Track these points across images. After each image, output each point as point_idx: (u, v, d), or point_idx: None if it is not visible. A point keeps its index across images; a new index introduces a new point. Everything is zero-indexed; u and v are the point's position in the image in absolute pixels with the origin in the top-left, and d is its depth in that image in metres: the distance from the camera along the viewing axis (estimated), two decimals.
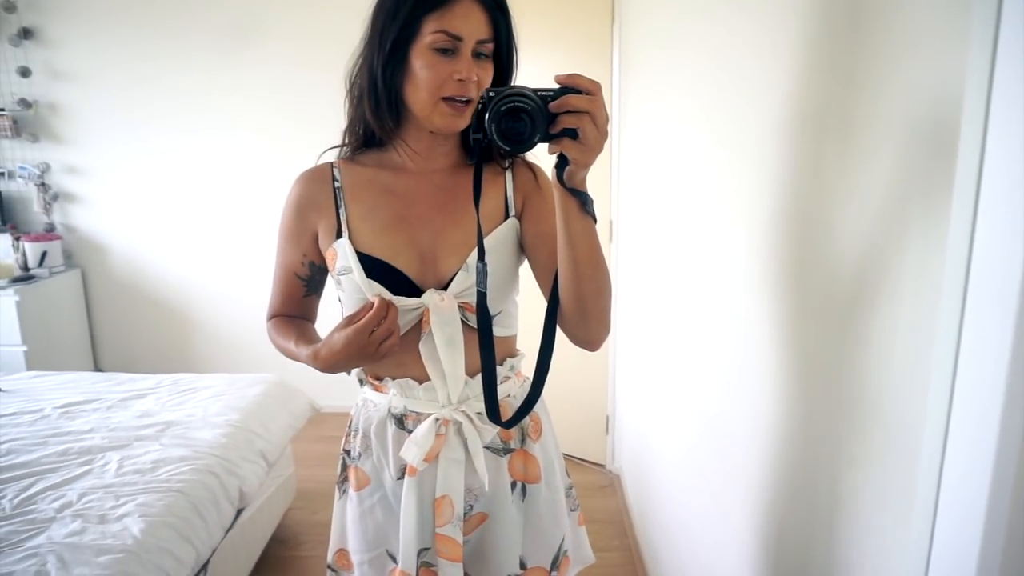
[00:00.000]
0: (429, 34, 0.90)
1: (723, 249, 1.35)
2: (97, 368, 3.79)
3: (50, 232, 3.61)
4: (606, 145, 0.78)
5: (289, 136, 3.42)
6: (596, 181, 0.84)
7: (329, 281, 1.11)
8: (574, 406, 2.87)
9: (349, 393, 1.13)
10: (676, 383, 1.81)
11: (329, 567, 1.16)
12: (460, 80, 0.91)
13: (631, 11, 2.46)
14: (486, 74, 0.94)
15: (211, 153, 3.56)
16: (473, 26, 0.90)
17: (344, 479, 1.13)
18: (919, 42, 0.65)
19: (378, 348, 0.92)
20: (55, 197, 3.61)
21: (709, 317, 1.47)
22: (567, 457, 1.19)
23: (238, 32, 3.40)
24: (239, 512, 2.02)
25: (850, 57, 0.79)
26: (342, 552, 1.14)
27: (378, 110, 0.97)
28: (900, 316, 0.68)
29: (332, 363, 0.96)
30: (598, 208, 0.86)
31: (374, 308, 0.92)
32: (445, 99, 0.92)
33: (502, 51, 0.96)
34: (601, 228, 0.90)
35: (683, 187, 1.70)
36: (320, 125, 3.32)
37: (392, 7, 0.91)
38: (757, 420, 1.14)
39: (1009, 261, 0.50)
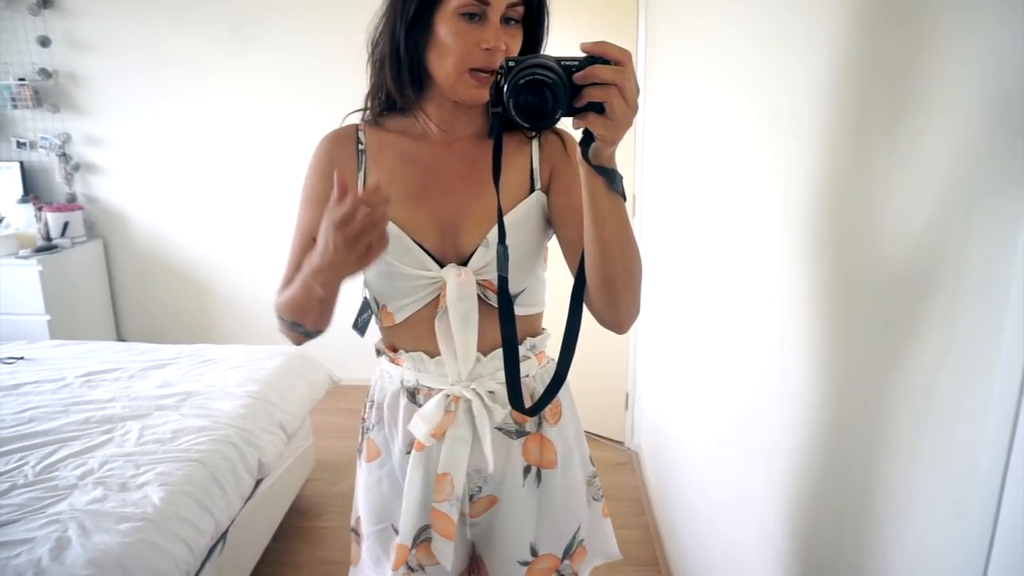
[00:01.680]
0: None
1: (756, 225, 1.29)
2: (119, 337, 3.82)
3: (72, 202, 3.62)
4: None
5: (309, 106, 3.38)
6: (620, 153, 0.78)
7: None
8: (593, 382, 2.83)
9: (368, 365, 1.11)
10: (701, 361, 1.77)
11: (352, 530, 1.16)
12: (487, 49, 0.85)
13: None
14: (515, 41, 0.89)
15: (231, 123, 3.54)
16: None
17: (361, 448, 1.12)
18: (994, 6, 0.59)
19: (358, 240, 0.78)
20: (76, 167, 3.62)
21: (739, 295, 1.42)
22: (585, 434, 1.14)
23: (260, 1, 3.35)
24: (258, 483, 2.03)
25: (915, 18, 0.72)
26: (359, 520, 1.13)
27: (399, 78, 0.92)
28: (962, 302, 0.62)
29: (319, 264, 0.83)
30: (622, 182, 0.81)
31: (368, 187, 0.86)
32: (471, 70, 0.87)
33: (533, 14, 0.89)
34: (625, 202, 0.85)
35: (714, 159, 1.64)
36: (340, 94, 3.28)
37: None
38: (788, 403, 1.09)
39: None
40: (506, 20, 0.87)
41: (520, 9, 0.87)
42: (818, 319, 0.98)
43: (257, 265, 3.66)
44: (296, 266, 1.01)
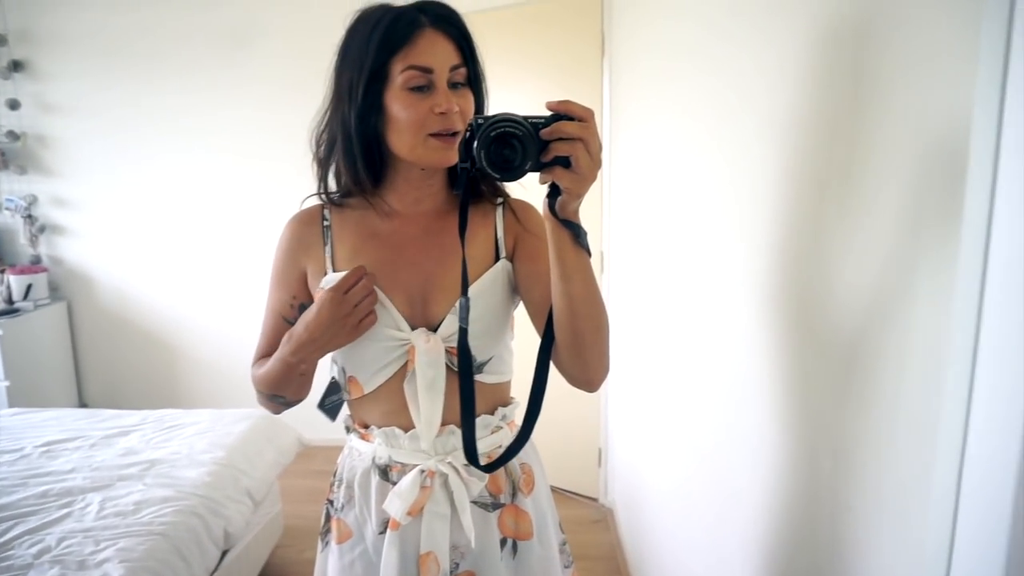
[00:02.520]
0: (399, 74, 0.88)
1: (720, 279, 1.33)
2: (82, 402, 3.72)
3: (36, 264, 3.57)
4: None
5: (278, 173, 3.40)
6: (587, 210, 0.81)
7: None
8: (565, 438, 2.84)
9: (337, 427, 1.11)
10: (671, 416, 1.79)
11: None
12: (441, 113, 0.89)
13: (622, 31, 2.47)
14: (466, 102, 0.92)
15: (200, 186, 3.55)
16: (441, 55, 0.89)
17: (327, 530, 1.09)
18: (928, 64, 0.63)
19: (355, 309, 0.91)
20: (42, 229, 3.58)
21: (704, 349, 1.45)
22: (559, 491, 1.14)
23: (230, 67, 3.41)
24: (224, 553, 1.97)
25: (857, 78, 0.78)
26: None
27: (355, 167, 0.95)
28: (910, 354, 0.66)
29: (307, 338, 0.93)
30: (589, 239, 0.83)
31: (349, 271, 0.93)
32: (432, 135, 0.90)
33: (470, 76, 0.94)
34: (592, 259, 0.88)
35: (677, 215, 1.69)
36: (310, 157, 3.30)
37: (356, 57, 0.90)
38: (755, 456, 1.11)
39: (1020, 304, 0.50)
40: (453, 85, 0.91)
41: (464, 71, 0.91)
42: (782, 374, 1.01)
43: (224, 326, 3.62)
44: (269, 342, 1.05)
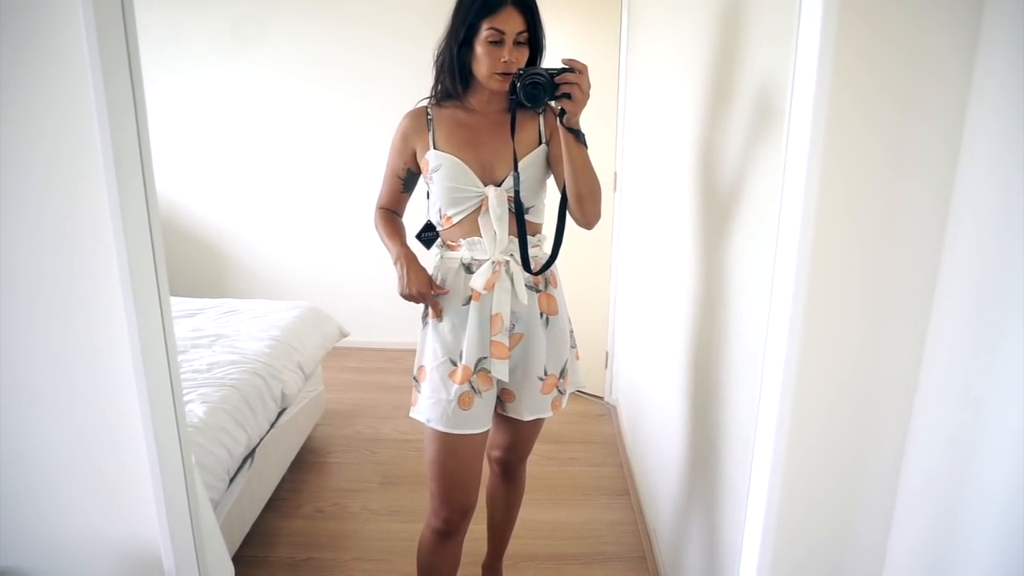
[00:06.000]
0: (485, 30, 1.38)
1: (673, 204, 1.63)
2: None
3: None
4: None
5: (320, 86, 3.63)
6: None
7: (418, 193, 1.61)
8: (579, 342, 3.13)
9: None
10: (665, 327, 2.07)
11: (414, 378, 1.60)
12: (505, 62, 1.39)
13: None
14: (523, 55, 1.42)
15: (251, 101, 3.78)
16: (512, 25, 1.37)
17: (426, 314, 1.57)
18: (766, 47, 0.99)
19: (414, 290, 1.49)
20: None
21: (673, 266, 1.72)
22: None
23: None
24: (280, 414, 2.31)
25: (732, 44, 1.19)
26: (421, 368, 1.57)
27: (453, 79, 1.48)
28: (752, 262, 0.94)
29: (401, 266, 1.50)
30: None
31: (434, 293, 1.50)
32: (496, 73, 1.40)
33: (533, 39, 1.43)
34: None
35: (678, 144, 1.93)
36: (356, 75, 3.53)
37: (463, 14, 1.40)
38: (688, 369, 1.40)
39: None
40: (516, 43, 1.39)
41: (525, 35, 1.40)
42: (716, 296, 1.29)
43: (269, 237, 3.94)
44: (386, 192, 1.63)
